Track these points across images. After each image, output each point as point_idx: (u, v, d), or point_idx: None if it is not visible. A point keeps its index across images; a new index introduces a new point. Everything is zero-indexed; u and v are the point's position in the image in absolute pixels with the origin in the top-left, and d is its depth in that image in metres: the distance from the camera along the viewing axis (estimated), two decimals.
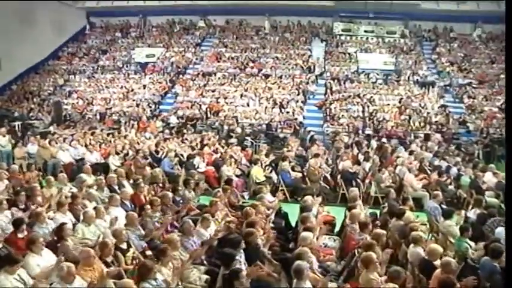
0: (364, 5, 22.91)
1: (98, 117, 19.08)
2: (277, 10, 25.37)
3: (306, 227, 5.67)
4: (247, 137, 15.54)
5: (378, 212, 7.93)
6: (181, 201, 7.49)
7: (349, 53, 23.22)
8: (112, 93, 21.12)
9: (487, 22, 23.52)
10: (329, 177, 10.76)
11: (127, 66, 23.60)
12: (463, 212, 7.81)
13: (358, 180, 10.13)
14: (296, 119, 18.09)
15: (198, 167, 10.82)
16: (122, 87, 21.71)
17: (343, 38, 24.79)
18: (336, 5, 23.65)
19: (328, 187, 10.31)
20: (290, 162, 10.98)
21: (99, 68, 23.76)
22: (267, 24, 26.13)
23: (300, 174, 10.61)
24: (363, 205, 7.94)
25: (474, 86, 19.70)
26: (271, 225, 6.69)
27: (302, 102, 19.59)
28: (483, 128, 16.65)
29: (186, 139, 14.18)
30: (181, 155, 11.50)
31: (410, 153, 12.08)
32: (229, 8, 25.56)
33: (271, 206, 7.29)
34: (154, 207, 6.43)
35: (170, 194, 7.11)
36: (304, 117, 18.64)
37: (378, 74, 21.18)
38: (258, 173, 10.17)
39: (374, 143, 14.18)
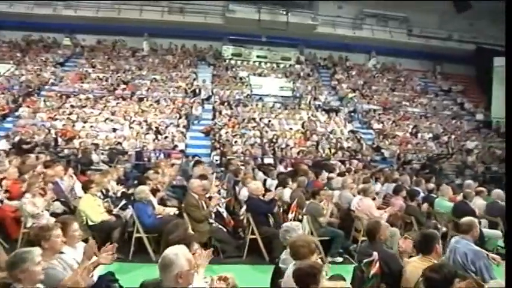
0: (257, 24, 20.09)
1: None
2: (158, 31, 21.49)
3: None
4: (102, 163, 10.49)
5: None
6: None
7: (240, 77, 19.98)
8: None
9: (379, 54, 23.05)
10: (225, 215, 6.22)
11: None
12: None
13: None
14: (176, 146, 13.80)
15: None
16: None
17: (233, 62, 21.62)
18: (225, 23, 20.47)
19: (225, 229, 5.76)
20: (157, 190, 6.29)
21: None
22: (146, 46, 21.85)
23: (173, 211, 5.96)
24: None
25: (379, 112, 17.78)
26: None
27: (184, 127, 15.41)
28: (399, 153, 14.42)
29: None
30: None
31: (340, 175, 8.14)
32: (102, 26, 20.96)
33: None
34: None
35: None
36: (186, 146, 14.45)
37: (274, 98, 18.13)
38: (89, 207, 5.20)
39: (282, 169, 10.23)
